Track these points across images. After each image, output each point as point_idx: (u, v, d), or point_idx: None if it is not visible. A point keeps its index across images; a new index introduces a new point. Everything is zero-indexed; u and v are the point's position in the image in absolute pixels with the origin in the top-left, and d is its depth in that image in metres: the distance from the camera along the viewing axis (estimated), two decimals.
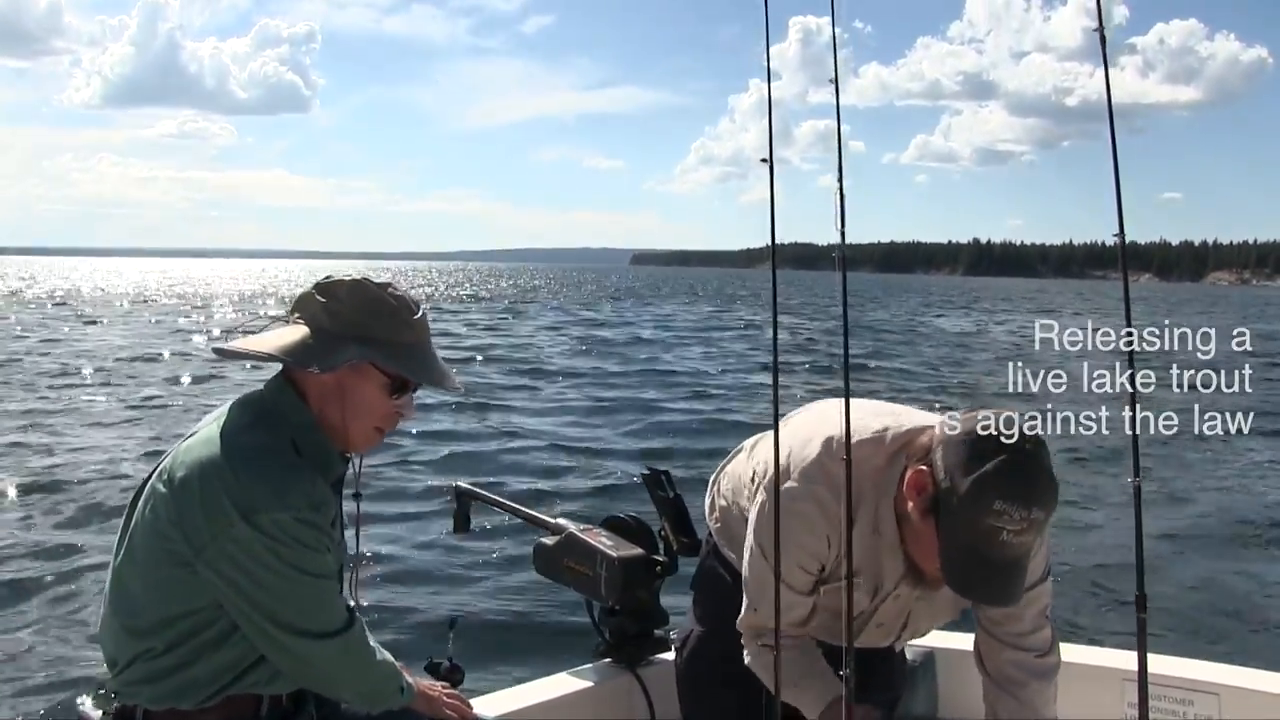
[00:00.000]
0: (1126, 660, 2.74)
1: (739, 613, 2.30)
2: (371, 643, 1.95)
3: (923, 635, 2.46)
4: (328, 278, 1.90)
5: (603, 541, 2.79)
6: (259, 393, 1.91)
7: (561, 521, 2.92)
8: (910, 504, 1.97)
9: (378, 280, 1.89)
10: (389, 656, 2.00)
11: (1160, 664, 2.63)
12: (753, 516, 2.24)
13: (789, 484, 2.08)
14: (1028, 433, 1.88)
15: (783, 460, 2.09)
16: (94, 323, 34.22)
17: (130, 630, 1.84)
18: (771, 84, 1.93)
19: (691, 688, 2.59)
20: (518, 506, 3.14)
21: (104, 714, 1.91)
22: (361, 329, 1.84)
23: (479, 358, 22.21)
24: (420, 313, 1.91)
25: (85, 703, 1.96)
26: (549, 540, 2.88)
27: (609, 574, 2.72)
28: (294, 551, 1.76)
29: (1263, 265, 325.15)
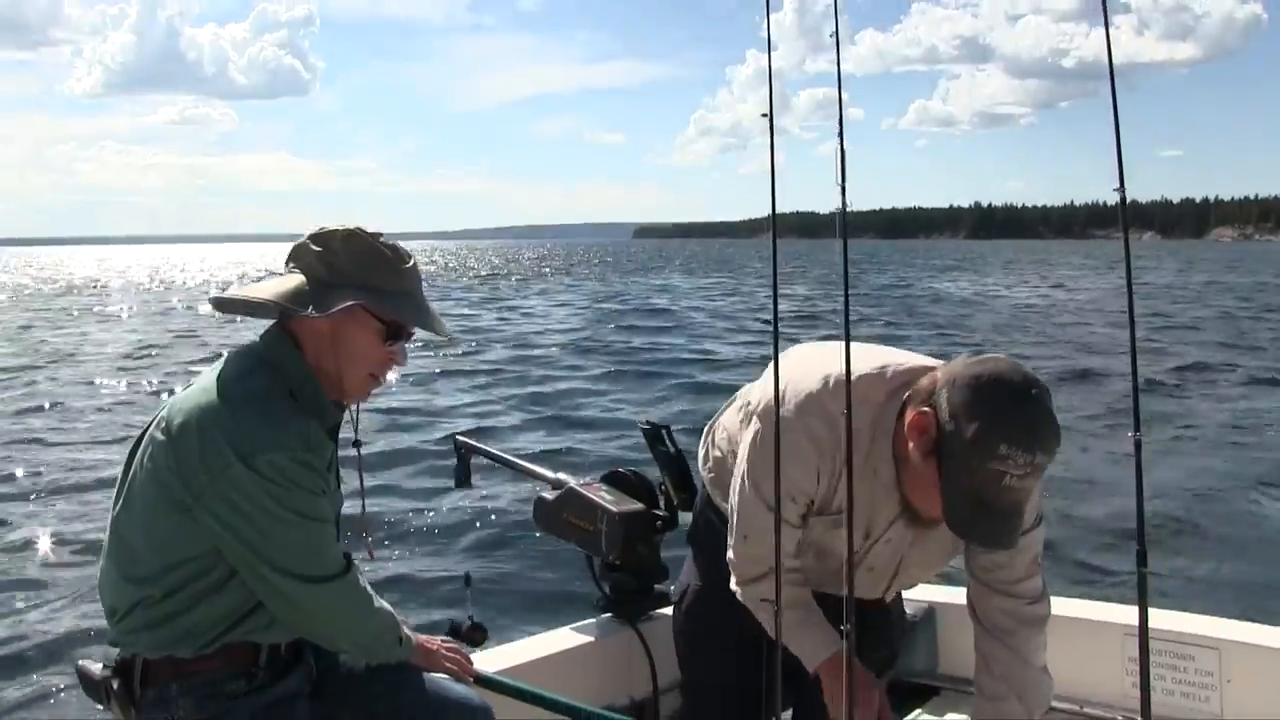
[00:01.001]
0: (1127, 615, 2.75)
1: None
2: (369, 591, 1.95)
3: (913, 585, 2.45)
4: (321, 228, 1.91)
5: (603, 496, 2.78)
6: (255, 343, 1.92)
7: (562, 476, 2.92)
8: (911, 445, 1.95)
9: (370, 231, 1.91)
10: (387, 607, 2.01)
11: (1161, 619, 2.63)
12: (745, 444, 2.21)
13: (783, 412, 2.04)
14: (1033, 378, 1.88)
15: (781, 389, 2.04)
16: None
17: (129, 579, 1.84)
18: (769, 53, 1.89)
19: (688, 641, 2.59)
20: (518, 461, 3.13)
21: (104, 666, 1.91)
22: (356, 277, 1.86)
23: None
24: (411, 262, 1.94)
25: (89, 664, 1.96)
26: (549, 495, 2.87)
27: (609, 529, 2.71)
28: (291, 493, 1.77)
29: (1265, 220, 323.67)
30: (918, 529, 2.13)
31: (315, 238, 1.89)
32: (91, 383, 15.29)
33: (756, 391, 2.24)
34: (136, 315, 30.74)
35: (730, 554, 2.26)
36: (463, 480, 3.12)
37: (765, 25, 1.90)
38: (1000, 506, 1.87)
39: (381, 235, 1.91)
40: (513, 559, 6.53)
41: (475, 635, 2.39)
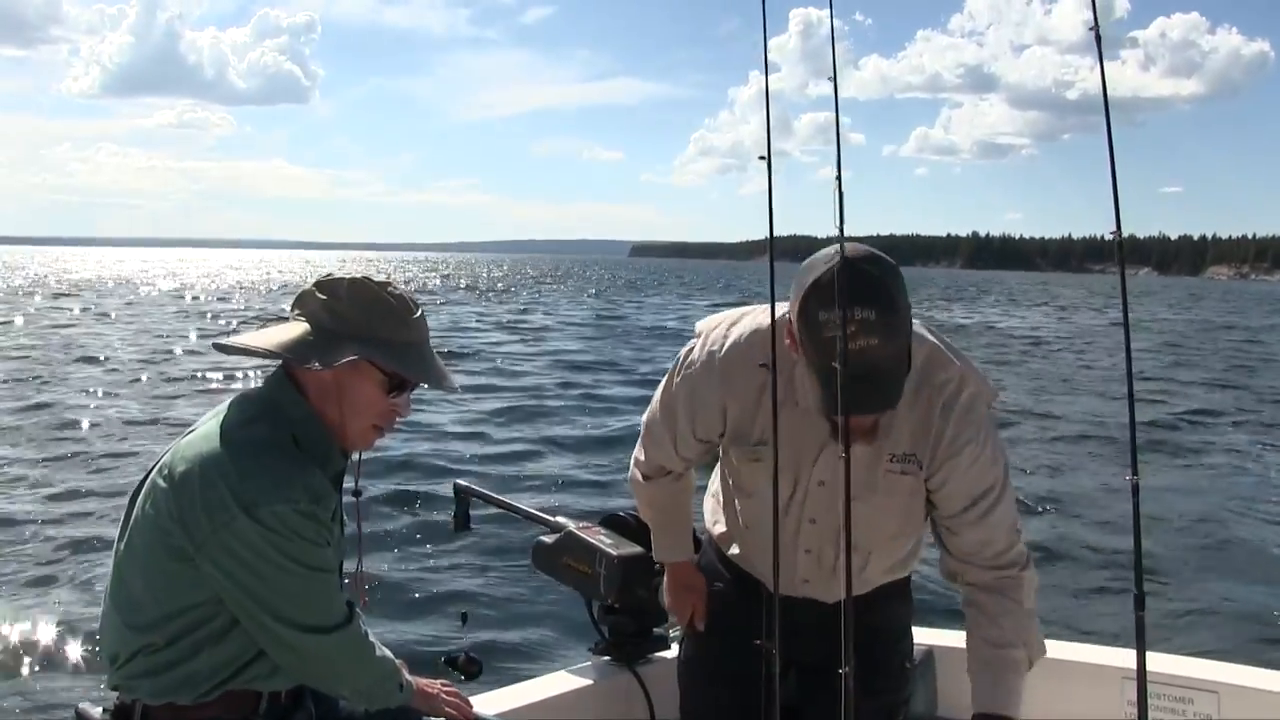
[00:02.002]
0: (1126, 658, 2.75)
1: (735, 607, 2.33)
2: (370, 639, 1.95)
3: (866, 559, 2.24)
4: (329, 275, 1.91)
5: (602, 539, 2.79)
6: (259, 389, 1.93)
7: (561, 519, 2.92)
8: (796, 357, 1.95)
9: (377, 279, 1.91)
10: (388, 654, 2.01)
11: (1160, 662, 2.63)
12: (675, 362, 2.29)
13: (712, 342, 2.18)
14: (852, 248, 1.84)
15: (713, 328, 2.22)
16: None
17: (132, 626, 1.84)
18: (770, 77, 1.91)
19: (686, 681, 2.58)
20: (517, 504, 3.14)
21: (104, 711, 1.91)
22: (361, 328, 1.86)
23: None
24: (419, 313, 1.93)
25: (89, 708, 1.96)
26: (548, 538, 2.88)
27: (608, 572, 2.72)
28: (294, 544, 1.76)
29: (1261, 259, 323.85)
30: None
31: (320, 284, 1.89)
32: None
33: (705, 321, 2.28)
34: None
35: (637, 450, 2.43)
36: (462, 524, 3.13)
37: (766, 51, 1.92)
38: (852, 371, 1.77)
39: (389, 285, 1.91)
40: (511, 602, 6.51)
41: (470, 668, 2.39)
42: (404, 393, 1.93)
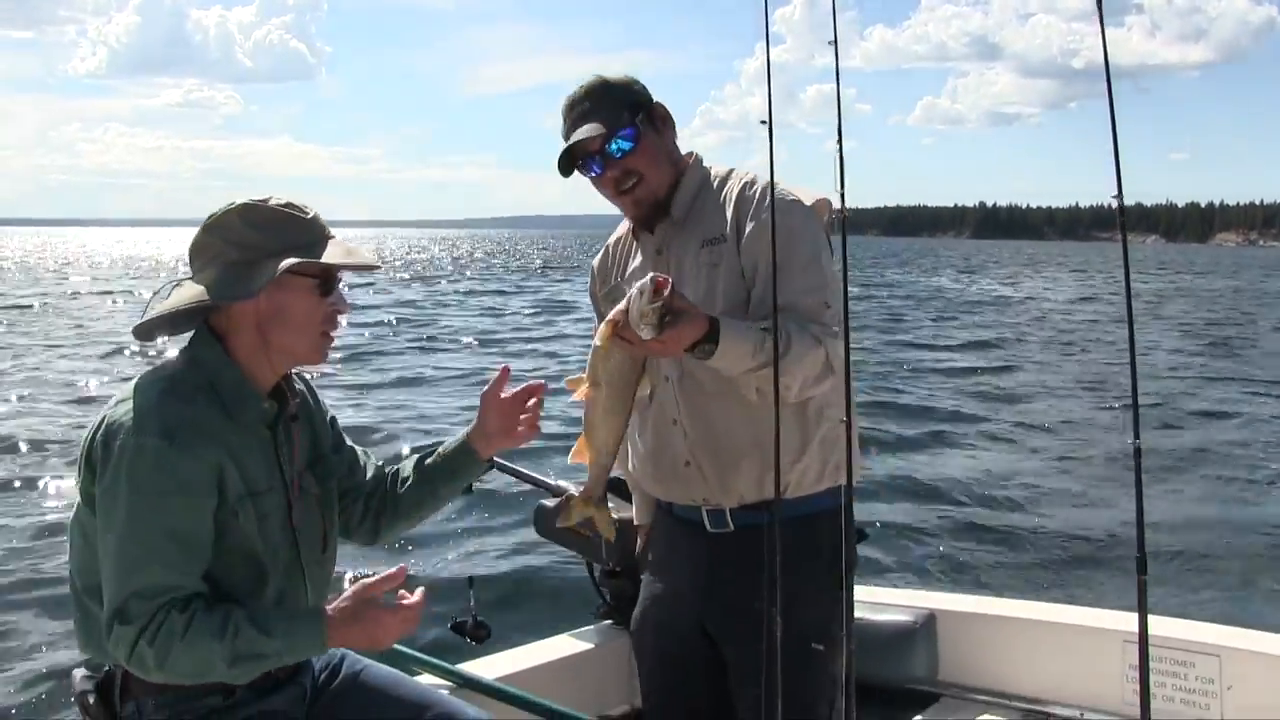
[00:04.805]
0: (1127, 622, 2.75)
1: (676, 574, 2.31)
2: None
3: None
4: (210, 216, 1.85)
5: None
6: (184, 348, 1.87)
7: (563, 484, 2.91)
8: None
9: (258, 198, 1.85)
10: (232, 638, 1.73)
11: (1161, 626, 2.63)
12: None
13: None
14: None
15: None
16: None
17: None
18: (775, 48, 1.91)
19: (637, 662, 2.50)
20: (519, 469, 3.12)
21: (84, 677, 1.89)
22: (271, 245, 1.80)
23: None
24: (312, 213, 1.87)
25: (78, 673, 1.95)
26: (550, 502, 2.88)
27: None
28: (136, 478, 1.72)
29: (1269, 225, 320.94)
30: (665, 232, 2.29)
31: (209, 228, 1.84)
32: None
33: None
34: None
35: None
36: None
37: (773, 22, 1.96)
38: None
39: (272, 197, 1.86)
40: (513, 566, 6.53)
41: (479, 633, 2.38)
42: (335, 290, 1.87)
